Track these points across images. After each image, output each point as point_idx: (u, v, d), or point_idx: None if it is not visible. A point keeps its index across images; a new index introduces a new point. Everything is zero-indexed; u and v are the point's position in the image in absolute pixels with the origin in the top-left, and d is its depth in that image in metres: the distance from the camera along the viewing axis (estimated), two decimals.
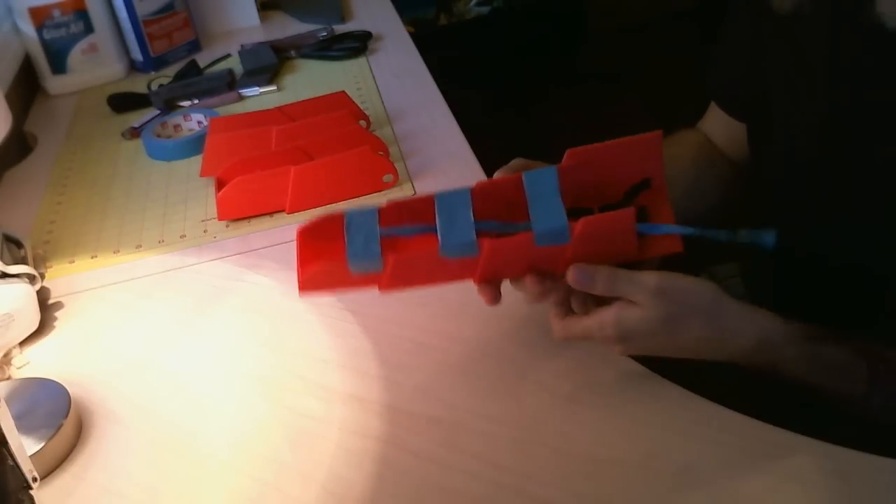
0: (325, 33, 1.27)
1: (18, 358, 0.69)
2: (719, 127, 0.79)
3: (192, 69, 1.21)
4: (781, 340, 0.54)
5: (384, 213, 0.53)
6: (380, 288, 0.55)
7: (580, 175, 0.54)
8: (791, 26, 0.62)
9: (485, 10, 2.50)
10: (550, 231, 0.52)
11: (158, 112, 1.09)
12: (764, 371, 0.56)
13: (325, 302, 0.71)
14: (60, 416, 0.59)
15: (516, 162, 0.60)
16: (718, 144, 0.80)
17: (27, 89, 1.20)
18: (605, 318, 0.54)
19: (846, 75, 0.59)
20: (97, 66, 1.21)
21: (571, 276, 0.53)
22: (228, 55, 1.27)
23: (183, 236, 0.84)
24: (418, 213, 0.53)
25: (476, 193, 0.54)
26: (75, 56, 1.19)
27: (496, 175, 0.58)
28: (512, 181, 0.54)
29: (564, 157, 0.54)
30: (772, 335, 0.54)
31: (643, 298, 0.52)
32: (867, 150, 0.59)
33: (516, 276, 0.57)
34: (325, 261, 0.52)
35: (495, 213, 0.54)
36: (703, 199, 0.77)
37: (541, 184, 0.53)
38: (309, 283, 0.54)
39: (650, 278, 0.52)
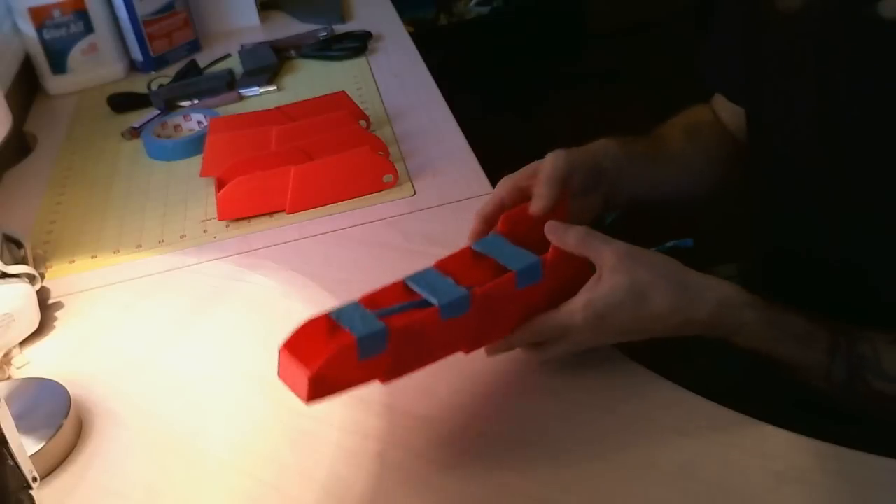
0: (325, 33, 1.27)
1: (18, 358, 0.69)
2: (725, 114, 0.79)
3: (192, 69, 1.21)
4: (741, 304, 0.56)
5: (363, 304, 0.53)
6: (382, 379, 0.52)
7: (514, 235, 0.58)
8: (787, 22, 0.62)
9: (485, 10, 2.51)
10: (528, 268, 0.54)
11: (158, 112, 1.09)
12: (726, 340, 0.57)
13: (325, 301, 0.70)
14: (60, 416, 0.59)
15: (504, 182, 0.63)
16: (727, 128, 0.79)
17: (27, 89, 1.20)
18: (573, 305, 0.55)
19: (840, 69, 0.59)
20: (97, 66, 1.21)
21: (547, 227, 0.56)
22: (228, 55, 1.27)
23: (183, 236, 0.84)
24: (392, 300, 0.54)
25: (438, 269, 0.56)
26: (75, 56, 1.19)
27: (495, 190, 0.63)
28: (465, 254, 0.58)
29: (499, 221, 0.59)
30: (732, 299, 0.56)
31: (611, 259, 0.54)
32: (861, 146, 0.59)
33: (502, 333, 0.57)
34: (327, 357, 0.47)
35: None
36: (691, 174, 0.76)
37: (495, 245, 0.58)
38: (316, 385, 0.48)
39: (619, 243, 0.55)
